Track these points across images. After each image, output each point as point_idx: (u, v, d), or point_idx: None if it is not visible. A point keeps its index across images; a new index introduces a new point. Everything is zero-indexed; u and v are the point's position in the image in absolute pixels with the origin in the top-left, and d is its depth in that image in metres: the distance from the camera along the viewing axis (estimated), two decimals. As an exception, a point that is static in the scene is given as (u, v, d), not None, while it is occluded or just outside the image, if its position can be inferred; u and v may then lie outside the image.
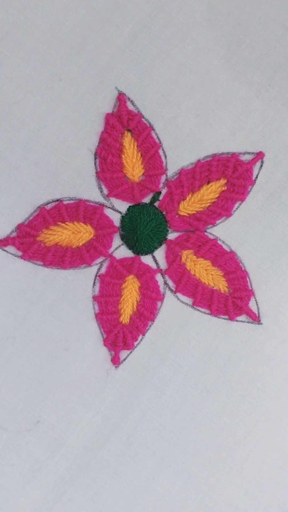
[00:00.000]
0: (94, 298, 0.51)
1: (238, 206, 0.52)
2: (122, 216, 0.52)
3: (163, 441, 0.51)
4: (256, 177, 0.52)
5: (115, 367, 0.51)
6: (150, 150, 0.51)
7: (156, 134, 0.52)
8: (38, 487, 0.51)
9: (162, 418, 0.51)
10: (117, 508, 0.51)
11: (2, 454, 0.51)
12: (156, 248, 0.52)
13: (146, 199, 0.52)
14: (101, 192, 0.52)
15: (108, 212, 0.52)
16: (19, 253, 0.51)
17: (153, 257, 0.52)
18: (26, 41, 0.51)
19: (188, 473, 0.51)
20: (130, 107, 0.51)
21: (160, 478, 0.51)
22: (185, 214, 0.52)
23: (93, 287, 0.51)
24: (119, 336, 0.51)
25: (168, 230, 0.52)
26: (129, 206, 0.52)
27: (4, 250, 0.51)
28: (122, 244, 0.52)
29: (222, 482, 0.51)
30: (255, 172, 0.52)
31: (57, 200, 0.51)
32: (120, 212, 0.52)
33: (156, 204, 0.52)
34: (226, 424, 0.52)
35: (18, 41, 0.51)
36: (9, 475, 0.51)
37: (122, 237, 0.52)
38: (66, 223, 0.51)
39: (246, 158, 0.52)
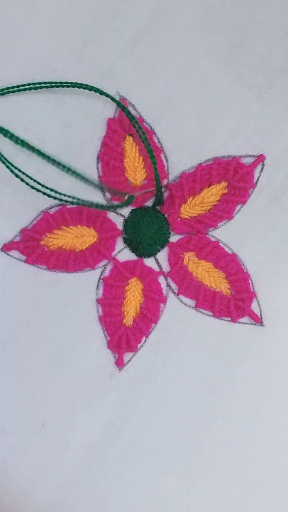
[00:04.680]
0: (98, 301, 0.50)
1: (240, 209, 0.50)
2: (125, 220, 0.51)
3: (167, 444, 0.50)
4: (257, 180, 0.50)
5: (119, 369, 0.50)
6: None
7: (158, 138, 0.51)
8: (43, 491, 0.50)
9: (165, 420, 0.50)
10: (121, 511, 0.50)
11: (7, 457, 0.50)
12: (158, 250, 0.50)
13: (149, 203, 0.51)
14: (104, 196, 0.51)
15: (111, 215, 0.51)
16: (23, 257, 0.50)
17: (156, 260, 0.51)
18: (28, 47, 0.50)
19: (192, 475, 0.50)
20: (132, 111, 0.50)
21: (164, 480, 0.50)
22: (186, 217, 0.50)
23: (96, 290, 0.50)
24: (123, 338, 0.50)
25: (170, 233, 0.51)
26: (132, 210, 0.51)
27: (8, 254, 0.50)
28: (125, 247, 0.51)
29: (227, 484, 0.50)
30: (256, 175, 0.50)
31: (61, 205, 0.50)
32: (123, 216, 0.51)
33: (158, 207, 0.51)
34: (230, 426, 0.50)
35: (20, 46, 0.50)
36: (14, 478, 0.50)
37: (125, 240, 0.51)
38: (70, 227, 0.50)
39: (247, 161, 0.50)
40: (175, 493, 0.50)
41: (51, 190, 0.49)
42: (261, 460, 0.50)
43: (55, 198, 0.48)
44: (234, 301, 0.50)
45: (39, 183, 0.49)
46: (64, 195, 0.48)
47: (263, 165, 0.51)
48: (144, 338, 0.50)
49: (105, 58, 0.50)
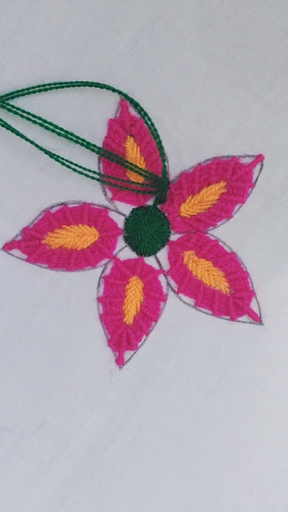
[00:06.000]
0: (99, 299, 0.50)
1: (239, 208, 0.50)
2: (126, 219, 0.50)
3: (167, 442, 0.50)
4: (256, 180, 0.50)
5: (119, 367, 0.50)
6: (153, 155, 0.50)
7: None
8: (43, 490, 0.49)
9: (165, 419, 0.50)
10: (122, 510, 0.49)
11: (8, 457, 0.49)
12: (158, 249, 0.50)
13: (149, 202, 0.51)
14: (105, 195, 0.51)
15: (112, 214, 0.50)
16: (25, 256, 0.50)
17: (156, 258, 0.51)
18: (28, 47, 0.50)
19: (192, 474, 0.50)
20: (132, 112, 0.50)
21: (164, 479, 0.49)
22: (186, 216, 0.50)
23: (97, 288, 0.50)
24: (123, 336, 0.50)
25: (170, 231, 0.50)
26: (133, 209, 0.51)
27: (10, 253, 0.50)
28: (126, 246, 0.50)
29: (226, 483, 0.50)
30: (255, 175, 0.50)
31: (62, 204, 0.50)
32: (124, 215, 0.50)
33: (159, 206, 0.51)
34: (229, 425, 0.50)
35: (20, 47, 0.50)
36: (14, 477, 0.49)
37: (126, 239, 0.50)
38: (71, 226, 0.50)
39: (246, 161, 0.50)
40: (174, 491, 0.50)
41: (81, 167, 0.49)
42: (260, 460, 0.50)
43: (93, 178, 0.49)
44: (233, 300, 0.50)
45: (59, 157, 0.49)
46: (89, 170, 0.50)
47: (262, 165, 0.50)
48: (144, 336, 0.50)
49: (105, 59, 0.50)
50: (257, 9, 0.50)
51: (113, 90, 0.48)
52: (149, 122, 0.48)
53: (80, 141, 0.48)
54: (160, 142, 0.48)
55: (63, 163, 0.48)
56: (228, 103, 0.50)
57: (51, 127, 0.48)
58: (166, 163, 0.50)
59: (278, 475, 0.50)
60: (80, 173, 0.49)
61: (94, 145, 0.48)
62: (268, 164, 0.51)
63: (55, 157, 0.48)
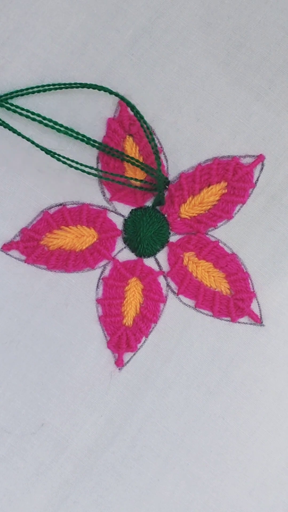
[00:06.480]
0: (98, 300, 0.50)
1: (239, 209, 0.50)
2: (125, 220, 0.50)
3: (166, 443, 0.50)
4: (257, 180, 0.50)
5: (119, 369, 0.50)
6: (152, 155, 0.50)
7: (157, 138, 0.51)
8: (43, 490, 0.50)
9: (165, 420, 0.50)
10: (121, 511, 0.50)
11: (7, 457, 0.49)
12: (158, 250, 0.50)
13: (148, 202, 0.51)
14: (104, 196, 0.50)
15: (111, 215, 0.50)
16: (23, 257, 0.50)
17: (156, 260, 0.50)
18: (27, 47, 0.50)
19: (192, 475, 0.50)
20: (131, 112, 0.50)
21: (164, 480, 0.50)
22: (186, 217, 0.50)
23: (96, 290, 0.50)
24: (123, 338, 0.50)
25: (170, 233, 0.50)
26: (132, 210, 0.50)
27: (8, 254, 0.50)
28: (125, 247, 0.50)
29: (226, 484, 0.50)
30: (256, 175, 0.50)
31: (60, 205, 0.50)
32: (122, 216, 0.50)
33: (158, 207, 0.51)
34: (230, 425, 0.50)
35: (19, 46, 0.50)
36: (14, 478, 0.49)
37: (125, 240, 0.50)
38: (70, 227, 0.50)
39: (246, 161, 0.50)
40: (174, 492, 0.50)
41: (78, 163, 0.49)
42: (261, 460, 0.50)
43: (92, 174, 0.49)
44: (234, 301, 0.50)
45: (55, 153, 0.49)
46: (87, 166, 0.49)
47: (262, 165, 0.50)
48: (144, 338, 0.50)
49: (105, 58, 0.50)
50: (258, 8, 0.50)
51: (110, 92, 0.48)
52: (144, 126, 0.48)
53: (80, 136, 0.48)
54: (155, 146, 0.47)
55: (60, 160, 0.48)
56: (229, 102, 0.50)
57: (51, 123, 0.48)
58: (165, 163, 0.50)
59: (278, 476, 0.50)
60: (76, 168, 0.48)
61: (95, 141, 0.48)
62: (268, 164, 0.50)
63: (51, 153, 0.48)
